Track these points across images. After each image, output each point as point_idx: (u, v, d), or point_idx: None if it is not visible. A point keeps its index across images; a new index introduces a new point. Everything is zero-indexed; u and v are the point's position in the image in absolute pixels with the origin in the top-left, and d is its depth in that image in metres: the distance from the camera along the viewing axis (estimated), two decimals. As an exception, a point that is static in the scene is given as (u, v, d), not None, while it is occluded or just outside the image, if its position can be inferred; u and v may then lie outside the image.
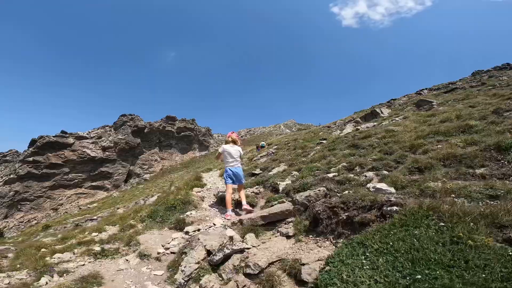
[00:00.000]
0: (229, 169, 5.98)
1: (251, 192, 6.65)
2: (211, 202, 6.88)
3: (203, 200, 6.90)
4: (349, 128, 15.05)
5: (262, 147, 26.90)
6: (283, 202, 5.06)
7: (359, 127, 13.93)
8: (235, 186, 6.05)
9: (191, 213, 5.80)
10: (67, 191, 50.93)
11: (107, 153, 55.41)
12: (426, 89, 30.34)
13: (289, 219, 4.44)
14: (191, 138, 64.72)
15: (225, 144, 6.34)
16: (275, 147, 17.19)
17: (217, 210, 6.36)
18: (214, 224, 5.02)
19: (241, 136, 77.33)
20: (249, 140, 67.83)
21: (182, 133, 63.80)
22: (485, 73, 31.70)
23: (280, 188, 6.17)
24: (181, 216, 5.55)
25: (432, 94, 24.79)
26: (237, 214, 5.67)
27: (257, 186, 7.62)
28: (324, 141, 12.12)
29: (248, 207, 5.54)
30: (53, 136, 50.54)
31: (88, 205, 44.66)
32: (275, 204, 5.14)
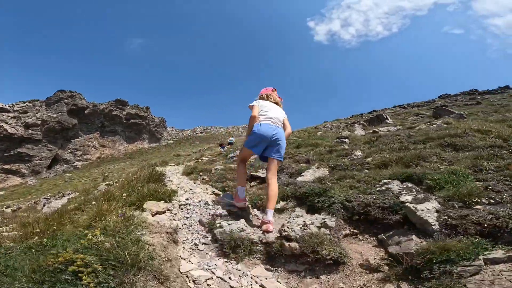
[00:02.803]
0: (265, 124, 3.05)
1: (319, 226, 2.46)
2: (204, 249, 2.49)
3: (176, 243, 2.44)
4: (360, 130, 11.86)
5: (231, 143, 22.67)
6: None
7: (376, 130, 10.68)
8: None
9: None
10: (-33, 172, 39.74)
11: (30, 131, 45.08)
12: (405, 104, 29.46)
13: None
14: (142, 127, 56.88)
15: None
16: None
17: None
18: None
19: (196, 133, 71.35)
20: (205, 138, 62.59)
21: (132, 120, 55.70)
22: (453, 97, 32.30)
23: (431, 222, 2.11)
24: None
25: (420, 109, 23.54)
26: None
27: (289, 203, 3.51)
28: (346, 140, 8.49)
29: (269, 227, 2.69)
30: (-40, 103, 39.20)
31: (-8, 193, 34.76)
32: None
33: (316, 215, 2.97)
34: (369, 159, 5.04)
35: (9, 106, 43.67)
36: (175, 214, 3.03)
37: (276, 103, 3.41)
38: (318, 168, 5.00)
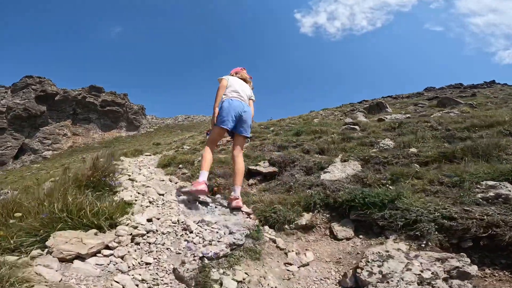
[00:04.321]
0: (236, 99, 2.97)
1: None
2: None
3: None
4: (362, 117, 10.63)
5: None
6: None
7: (382, 117, 9.47)
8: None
9: None
10: None
11: (-7, 119, 40.99)
12: (395, 95, 28.82)
13: None
14: (119, 115, 53.30)
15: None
16: (247, 132, 11.49)
17: None
18: None
19: (178, 122, 68.65)
20: (188, 126, 60.20)
21: (108, 108, 51.97)
22: (439, 90, 32.10)
23: None
24: None
25: (411, 99, 22.82)
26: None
27: (318, 217, 2.08)
28: (355, 126, 7.16)
29: (239, 202, 2.68)
30: None
31: None
32: None
33: (391, 243, 1.55)
34: (412, 150, 3.69)
35: (-32, 91, 39.44)
36: (122, 257, 1.49)
37: (245, 80, 3.33)
38: (346, 161, 3.59)
